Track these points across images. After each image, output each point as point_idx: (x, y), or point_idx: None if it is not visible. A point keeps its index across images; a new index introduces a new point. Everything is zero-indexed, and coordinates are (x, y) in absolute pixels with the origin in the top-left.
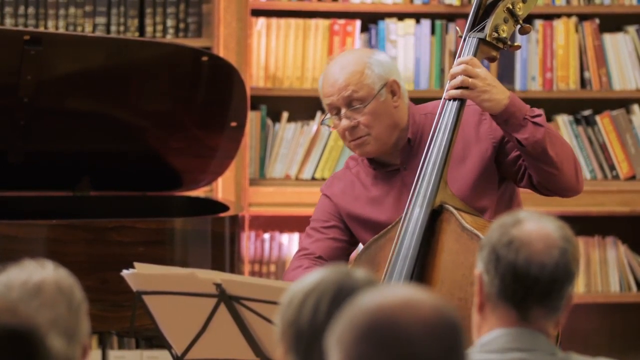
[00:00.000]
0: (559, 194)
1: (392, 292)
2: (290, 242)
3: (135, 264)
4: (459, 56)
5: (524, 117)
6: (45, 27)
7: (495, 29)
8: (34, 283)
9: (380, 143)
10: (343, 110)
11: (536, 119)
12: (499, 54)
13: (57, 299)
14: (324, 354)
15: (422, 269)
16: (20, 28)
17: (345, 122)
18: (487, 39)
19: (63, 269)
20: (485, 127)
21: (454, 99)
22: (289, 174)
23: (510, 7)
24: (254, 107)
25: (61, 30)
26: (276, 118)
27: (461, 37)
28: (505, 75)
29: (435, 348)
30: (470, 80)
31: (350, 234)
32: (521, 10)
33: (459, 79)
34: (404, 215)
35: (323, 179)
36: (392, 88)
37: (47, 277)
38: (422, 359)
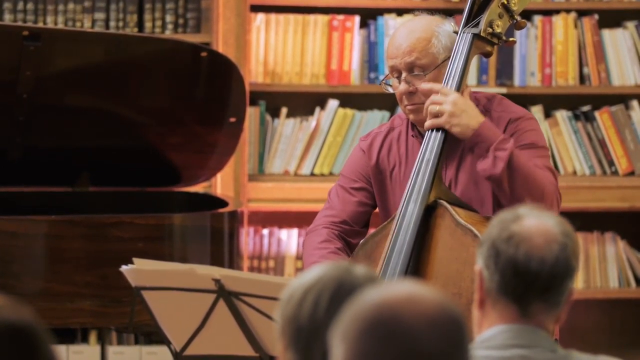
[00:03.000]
0: None
1: (396, 287)
2: (289, 238)
3: (135, 259)
4: (455, 51)
5: (488, 149)
6: (44, 23)
7: (490, 24)
8: None
9: None
10: (404, 75)
11: (499, 153)
12: (495, 50)
13: None
14: (324, 350)
15: (416, 264)
16: (19, 24)
17: (403, 86)
18: (481, 34)
19: None
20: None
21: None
22: (287, 169)
23: (505, 2)
24: (253, 103)
25: (60, 26)
26: (275, 114)
27: (456, 32)
28: (504, 71)
29: (439, 343)
30: (437, 107)
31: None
32: (516, 6)
33: (430, 108)
34: (399, 211)
35: (322, 175)
36: None
37: None
38: (426, 354)
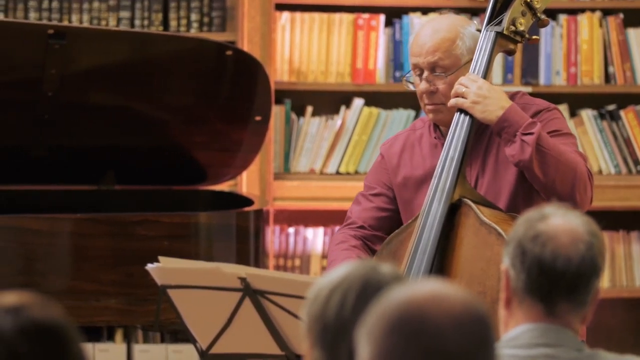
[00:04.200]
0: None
1: (421, 286)
2: (314, 236)
3: (160, 258)
4: (478, 49)
5: (515, 134)
6: (69, 21)
7: (513, 22)
8: None
9: (453, 114)
10: (425, 74)
11: (527, 138)
12: (518, 47)
13: None
14: (350, 348)
15: (441, 263)
16: (44, 22)
17: (424, 85)
18: (504, 32)
19: None
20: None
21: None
22: (313, 168)
23: (528, 0)
24: (278, 102)
25: (85, 24)
26: (300, 112)
27: (479, 30)
28: (530, 70)
29: (464, 341)
30: (463, 90)
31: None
32: (539, 4)
33: (456, 88)
34: (423, 209)
35: (347, 174)
36: None
37: None
38: (451, 352)
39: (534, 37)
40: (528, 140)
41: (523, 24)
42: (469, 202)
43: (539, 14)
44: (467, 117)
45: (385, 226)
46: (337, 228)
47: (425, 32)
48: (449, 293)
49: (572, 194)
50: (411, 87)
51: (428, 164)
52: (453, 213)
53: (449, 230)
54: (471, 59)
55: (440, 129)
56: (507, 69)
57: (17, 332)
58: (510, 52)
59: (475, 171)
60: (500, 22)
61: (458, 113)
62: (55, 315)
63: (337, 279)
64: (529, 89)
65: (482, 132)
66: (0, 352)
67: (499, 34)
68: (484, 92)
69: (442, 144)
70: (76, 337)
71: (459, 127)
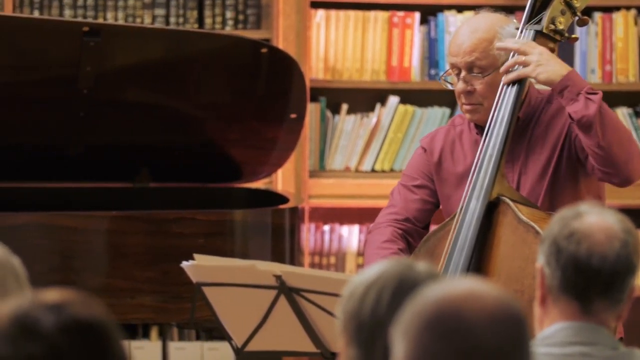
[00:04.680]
0: (609, 180)
1: (457, 283)
2: (350, 234)
3: (195, 255)
4: None
5: (579, 92)
6: (104, 19)
7: (552, 21)
8: None
9: (490, 114)
10: (463, 73)
11: (591, 96)
12: (557, 46)
13: (4, 276)
14: (386, 345)
15: (478, 261)
16: (79, 19)
17: (462, 85)
18: (544, 31)
19: None
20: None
21: (513, 84)
22: (348, 165)
23: None
24: (314, 99)
25: (120, 22)
26: (336, 110)
27: (518, 29)
28: None
29: (499, 339)
30: (523, 57)
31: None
32: (578, 2)
33: (513, 59)
34: (460, 207)
35: (383, 171)
36: None
37: None
38: (486, 350)
39: (573, 36)
40: (593, 98)
41: (562, 23)
42: (507, 200)
43: (578, 13)
44: (506, 114)
45: (426, 220)
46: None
47: (463, 31)
48: (484, 291)
49: (627, 161)
50: (449, 86)
51: (469, 160)
52: (491, 211)
53: (486, 229)
54: (508, 59)
55: (479, 126)
56: None
57: (59, 329)
58: (550, 51)
59: (517, 172)
60: (540, 20)
61: (495, 110)
62: (97, 313)
63: (372, 276)
64: None
65: (521, 133)
66: (42, 349)
67: (538, 33)
68: (546, 56)
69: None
70: (117, 335)
71: (497, 125)
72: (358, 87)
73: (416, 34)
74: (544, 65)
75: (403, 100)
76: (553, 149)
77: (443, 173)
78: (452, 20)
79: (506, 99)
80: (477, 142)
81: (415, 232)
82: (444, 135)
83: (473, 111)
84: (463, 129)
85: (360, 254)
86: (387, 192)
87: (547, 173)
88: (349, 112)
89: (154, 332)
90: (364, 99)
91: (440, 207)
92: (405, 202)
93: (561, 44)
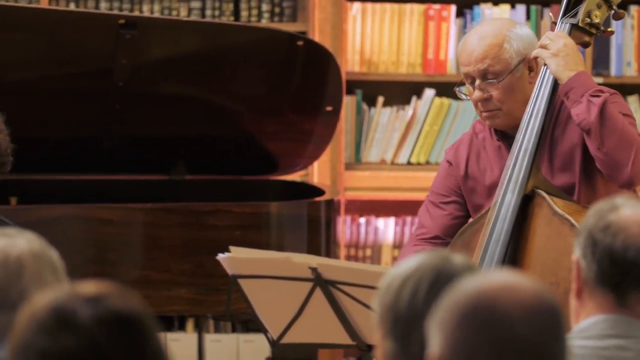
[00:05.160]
0: (612, 182)
1: (493, 276)
2: (385, 227)
3: (231, 247)
4: None
5: (583, 95)
6: (140, 11)
7: (588, 14)
8: (14, 259)
9: (511, 118)
10: (477, 82)
11: (593, 99)
12: (593, 40)
13: (41, 269)
14: (422, 338)
15: (514, 253)
16: (115, 12)
17: (478, 94)
18: (579, 24)
19: (28, 233)
20: None
21: (549, 80)
22: (384, 158)
23: None
24: (350, 92)
25: (156, 15)
26: (372, 102)
27: (554, 23)
28: (601, 61)
29: (535, 332)
30: (547, 42)
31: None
32: None
33: (541, 41)
34: (496, 200)
35: (419, 164)
36: (530, 64)
37: (22, 248)
38: (522, 343)
39: (609, 29)
40: (595, 101)
41: (598, 17)
42: (543, 193)
43: (614, 7)
44: (541, 108)
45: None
46: (408, 218)
47: (471, 40)
48: (521, 283)
49: (628, 165)
50: (463, 97)
51: (495, 167)
52: (526, 204)
53: (522, 221)
54: (522, 61)
55: (500, 131)
56: None
57: (97, 322)
58: (585, 45)
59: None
60: (576, 14)
61: (531, 105)
62: (134, 305)
63: (409, 269)
64: (600, 80)
65: (553, 128)
66: (79, 342)
67: (574, 26)
68: (567, 49)
69: (505, 146)
70: (155, 327)
71: (532, 119)
72: (394, 80)
73: (452, 27)
74: (558, 58)
75: (439, 93)
76: (575, 146)
77: (471, 184)
78: (487, 13)
79: (541, 93)
80: (501, 149)
81: (446, 247)
82: (467, 145)
83: (492, 117)
84: (485, 136)
85: (395, 246)
86: (423, 184)
87: (574, 169)
88: (385, 104)
89: (189, 324)
90: (400, 91)
91: (471, 218)
92: (434, 219)
93: (597, 37)
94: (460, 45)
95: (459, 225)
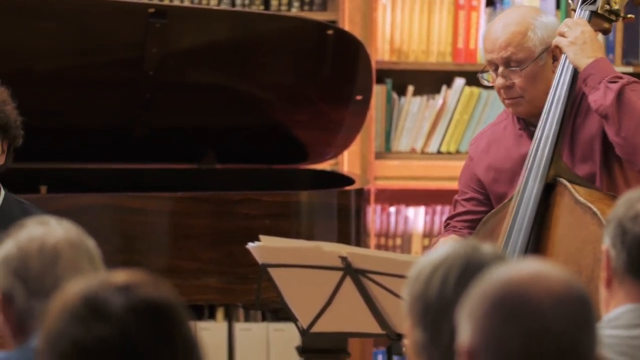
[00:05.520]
0: (632, 168)
1: (523, 265)
2: (415, 216)
3: (261, 236)
4: None
5: (600, 81)
6: (170, 0)
7: (607, 1)
8: (51, 248)
9: (533, 106)
10: (500, 69)
11: (611, 85)
12: (612, 27)
13: (77, 257)
14: (452, 328)
15: (536, 242)
16: (145, 1)
17: (500, 81)
18: (598, 11)
19: (66, 221)
20: None
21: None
22: (414, 147)
23: None
24: (380, 81)
25: (186, 3)
26: (402, 92)
27: (574, 10)
28: (630, 50)
29: (565, 321)
30: (565, 29)
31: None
32: None
33: (559, 28)
34: (518, 189)
35: (449, 153)
36: (554, 53)
37: (59, 236)
38: (552, 332)
39: (629, 15)
40: (612, 87)
41: (617, 3)
42: (564, 181)
43: None
44: (562, 96)
45: None
46: (438, 207)
47: (495, 27)
48: (550, 273)
49: None
50: (486, 83)
51: (515, 155)
52: (548, 192)
53: (544, 210)
54: (545, 49)
55: (523, 120)
56: (608, 49)
57: (128, 310)
58: (605, 31)
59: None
60: (595, 1)
61: (552, 92)
62: (165, 294)
63: (438, 258)
64: (629, 69)
65: (574, 117)
66: (111, 330)
67: (593, 13)
68: (585, 37)
69: (527, 134)
70: (186, 316)
71: (553, 106)
72: (424, 69)
73: (482, 16)
74: (576, 46)
75: (469, 82)
76: (595, 136)
77: (493, 174)
78: (518, 2)
79: (562, 81)
80: (521, 137)
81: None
82: (489, 136)
83: (515, 104)
84: (507, 124)
85: (425, 235)
86: (453, 173)
87: (594, 159)
88: (415, 94)
89: (219, 313)
90: (430, 80)
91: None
92: (458, 216)
93: (624, 25)
94: (485, 32)
95: (477, 221)
